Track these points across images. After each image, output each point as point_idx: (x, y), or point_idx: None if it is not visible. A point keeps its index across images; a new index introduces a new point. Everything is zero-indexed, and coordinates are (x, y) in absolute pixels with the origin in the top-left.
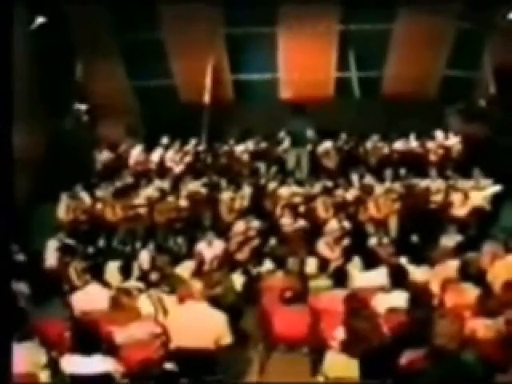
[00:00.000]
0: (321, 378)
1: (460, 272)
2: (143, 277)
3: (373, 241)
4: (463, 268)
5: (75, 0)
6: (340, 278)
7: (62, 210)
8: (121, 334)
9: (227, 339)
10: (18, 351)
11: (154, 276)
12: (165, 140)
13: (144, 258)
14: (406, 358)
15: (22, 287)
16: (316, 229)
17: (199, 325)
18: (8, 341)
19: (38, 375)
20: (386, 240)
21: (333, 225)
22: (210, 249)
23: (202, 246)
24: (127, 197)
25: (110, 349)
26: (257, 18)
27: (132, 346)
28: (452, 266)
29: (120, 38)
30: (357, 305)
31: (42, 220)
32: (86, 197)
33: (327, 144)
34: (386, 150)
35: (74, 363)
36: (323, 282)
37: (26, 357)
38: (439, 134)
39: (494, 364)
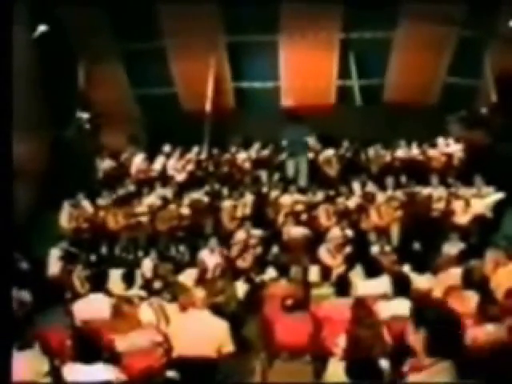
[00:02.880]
0: None
1: (463, 280)
2: (146, 285)
3: (375, 249)
4: (466, 276)
5: (77, 4)
6: (342, 286)
7: (65, 218)
8: (122, 343)
9: (229, 347)
10: (20, 359)
11: (156, 284)
12: (166, 148)
13: (147, 266)
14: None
15: (24, 295)
16: (318, 237)
17: (201, 333)
18: (8, 349)
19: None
20: (388, 248)
21: (335, 232)
22: (213, 257)
23: (204, 254)
24: (129, 205)
25: (112, 357)
26: (258, 26)
27: (134, 354)
28: (455, 273)
29: (122, 47)
30: (362, 312)
31: (44, 228)
32: (88, 205)
33: (329, 152)
34: (387, 158)
35: (76, 372)
36: (326, 290)
37: (27, 365)
38: (441, 142)
39: (497, 371)
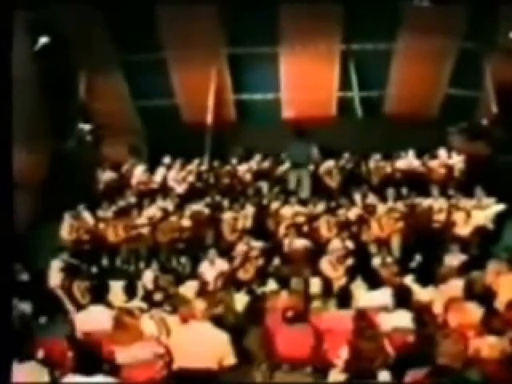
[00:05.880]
0: None
1: (465, 291)
2: (147, 297)
3: (376, 261)
4: (468, 287)
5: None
6: (344, 298)
7: (65, 229)
8: (123, 355)
9: (230, 359)
10: (20, 371)
11: (157, 296)
12: (167, 160)
13: (148, 277)
14: (410, 377)
15: (24, 307)
16: (319, 248)
17: (202, 345)
18: (8, 361)
19: None
20: (389, 259)
21: (336, 244)
22: (213, 268)
23: (204, 266)
24: (129, 217)
25: (113, 369)
26: (259, 37)
27: (135, 366)
28: (456, 285)
29: (123, 58)
30: (363, 324)
31: (45, 239)
32: (88, 217)
33: (329, 163)
34: (388, 169)
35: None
36: (327, 301)
37: (28, 377)
38: (442, 153)
39: (499, 383)
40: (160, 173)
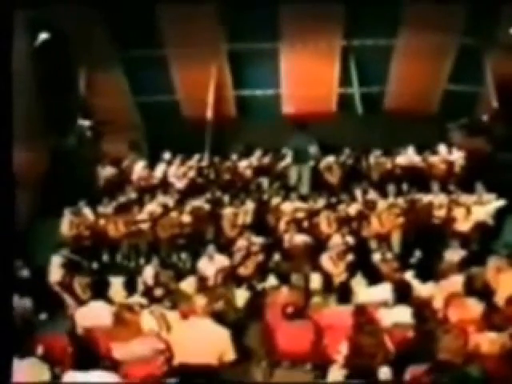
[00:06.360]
0: None
1: (465, 287)
2: (147, 292)
3: (376, 256)
4: (468, 283)
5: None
6: (344, 293)
7: (66, 225)
8: (124, 351)
9: (230, 355)
10: (21, 367)
11: (158, 292)
12: (167, 155)
13: (148, 273)
14: (410, 373)
15: (25, 303)
16: (320, 244)
17: (202, 341)
18: (9, 357)
19: None
20: (389, 255)
21: (336, 240)
22: (212, 264)
23: (203, 262)
24: (130, 212)
25: (113, 365)
26: (259, 33)
27: (135, 362)
28: (456, 280)
29: (123, 54)
30: (363, 319)
31: (45, 236)
32: (89, 212)
33: (330, 159)
34: (388, 165)
35: (77, 380)
36: (327, 297)
37: (28, 373)
38: (442, 149)
39: (499, 379)
40: (160, 169)
